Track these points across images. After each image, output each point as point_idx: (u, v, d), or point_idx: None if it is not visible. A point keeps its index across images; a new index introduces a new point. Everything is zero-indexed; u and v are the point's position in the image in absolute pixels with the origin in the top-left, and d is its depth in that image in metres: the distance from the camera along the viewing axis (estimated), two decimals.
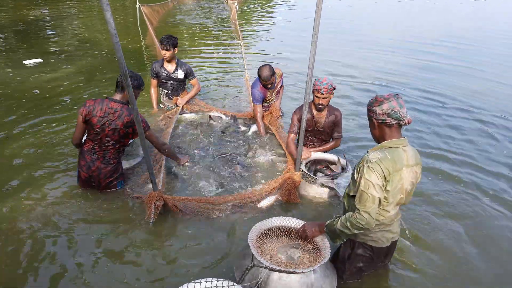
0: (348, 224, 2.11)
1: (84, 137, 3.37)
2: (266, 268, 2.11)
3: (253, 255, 2.19)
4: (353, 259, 2.42)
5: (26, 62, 7.33)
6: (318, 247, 2.36)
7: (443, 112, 5.93)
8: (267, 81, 4.26)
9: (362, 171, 2.06)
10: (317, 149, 3.83)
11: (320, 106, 3.54)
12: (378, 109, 2.10)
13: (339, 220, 2.18)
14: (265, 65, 4.28)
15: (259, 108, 4.55)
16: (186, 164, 3.90)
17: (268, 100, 4.72)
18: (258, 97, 4.48)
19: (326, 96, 3.44)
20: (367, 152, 2.16)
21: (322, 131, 3.79)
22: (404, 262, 2.83)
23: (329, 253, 2.24)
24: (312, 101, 3.61)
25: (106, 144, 3.25)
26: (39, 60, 7.49)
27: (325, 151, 3.82)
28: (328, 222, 2.29)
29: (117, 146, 3.30)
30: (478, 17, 16.93)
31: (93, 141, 3.25)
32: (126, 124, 3.18)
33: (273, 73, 4.26)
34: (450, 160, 4.44)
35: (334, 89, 3.46)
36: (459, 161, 4.44)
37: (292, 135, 3.75)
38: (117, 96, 3.22)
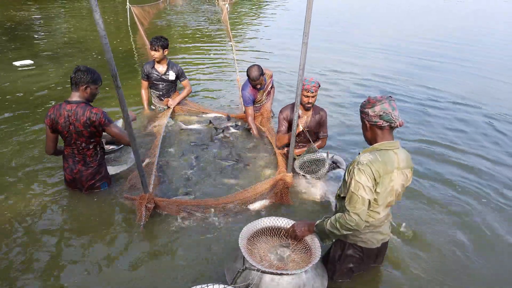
0: (337, 225, 2.12)
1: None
2: (258, 271, 2.11)
3: (244, 257, 2.19)
4: (343, 260, 2.43)
5: (16, 63, 7.19)
6: (308, 247, 2.37)
7: (448, 108, 6.09)
8: (256, 80, 4.28)
9: (352, 173, 2.08)
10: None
11: (308, 105, 3.63)
12: (370, 111, 2.11)
13: (329, 221, 2.19)
14: (253, 65, 4.31)
15: (250, 110, 4.55)
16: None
17: (258, 101, 4.73)
18: (248, 99, 4.49)
19: (315, 94, 3.57)
20: (359, 154, 2.18)
21: (309, 131, 3.84)
22: (395, 261, 2.85)
23: (320, 253, 2.24)
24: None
25: (81, 148, 3.18)
26: (29, 61, 7.36)
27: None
28: (318, 222, 2.30)
29: (91, 147, 3.22)
30: (478, 16, 17.16)
31: (69, 146, 3.19)
32: (84, 124, 3.02)
33: (261, 73, 4.28)
34: (451, 158, 4.53)
35: (319, 86, 3.60)
36: (463, 156, 4.54)
37: (281, 134, 3.79)
38: (73, 96, 3.06)
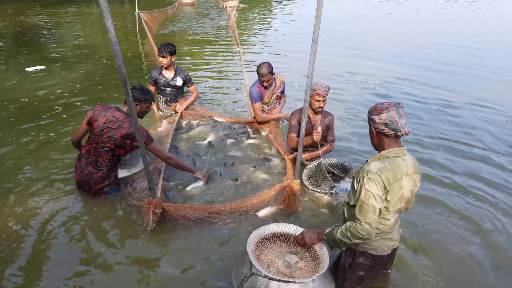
0: (348, 234, 2.10)
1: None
2: (265, 277, 2.10)
3: (251, 263, 2.18)
4: (354, 268, 2.40)
5: (29, 69, 7.29)
6: (316, 255, 2.35)
7: (467, 110, 6.10)
8: (264, 77, 4.34)
9: (362, 182, 2.06)
10: (320, 151, 3.88)
11: (319, 109, 3.69)
12: (376, 118, 2.11)
13: (339, 229, 2.17)
14: (263, 62, 4.40)
15: (258, 106, 4.60)
16: (203, 180, 3.70)
17: (266, 103, 4.72)
18: (255, 96, 4.55)
19: (325, 98, 3.64)
20: (367, 161, 2.17)
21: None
22: (404, 267, 2.82)
23: (328, 262, 2.22)
24: (309, 105, 3.67)
25: (100, 150, 3.28)
26: (41, 67, 7.46)
27: (323, 154, 3.93)
28: (327, 230, 2.28)
29: (110, 154, 3.32)
30: (489, 22, 17.05)
31: (90, 144, 3.30)
32: (125, 135, 3.23)
33: (271, 71, 4.35)
34: (475, 157, 4.53)
35: (329, 89, 3.67)
36: (487, 156, 4.54)
37: (293, 134, 3.80)
38: (125, 107, 3.32)
